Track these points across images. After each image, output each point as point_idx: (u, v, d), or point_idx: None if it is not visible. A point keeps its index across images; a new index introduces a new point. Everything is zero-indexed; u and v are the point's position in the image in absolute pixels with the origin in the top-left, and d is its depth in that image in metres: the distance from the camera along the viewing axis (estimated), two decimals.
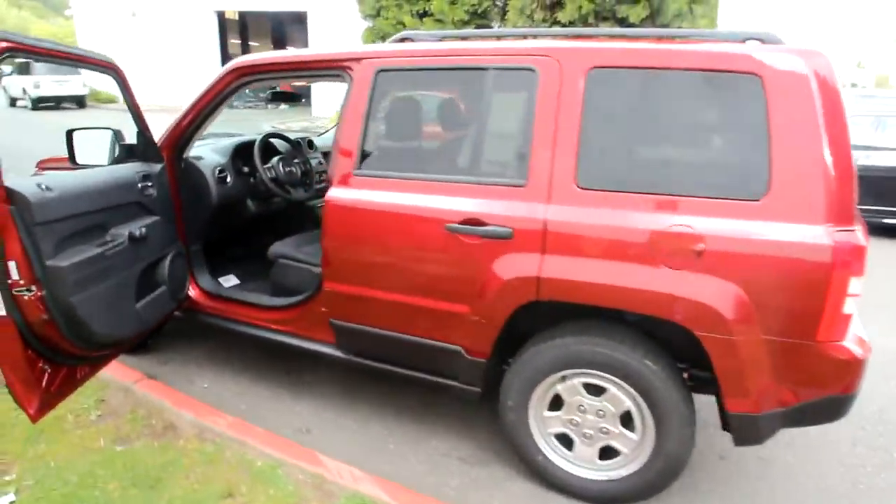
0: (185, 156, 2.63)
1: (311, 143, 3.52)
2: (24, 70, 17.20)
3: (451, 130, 2.12)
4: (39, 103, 17.35)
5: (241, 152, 2.99)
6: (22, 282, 1.69)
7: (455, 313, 2.02)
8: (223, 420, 2.27)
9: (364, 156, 2.13)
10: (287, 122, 15.04)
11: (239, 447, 2.12)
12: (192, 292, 2.69)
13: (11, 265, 1.68)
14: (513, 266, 1.88)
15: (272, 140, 3.24)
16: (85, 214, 1.92)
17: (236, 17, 21.79)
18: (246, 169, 2.95)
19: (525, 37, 2.26)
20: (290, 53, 2.41)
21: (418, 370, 2.21)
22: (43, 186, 1.76)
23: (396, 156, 2.18)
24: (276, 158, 3.01)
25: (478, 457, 2.27)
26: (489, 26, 10.34)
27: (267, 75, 2.40)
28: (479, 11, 10.44)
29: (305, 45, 22.88)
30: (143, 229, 2.14)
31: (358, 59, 2.17)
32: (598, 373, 1.88)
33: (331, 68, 2.26)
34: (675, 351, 1.90)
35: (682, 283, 1.69)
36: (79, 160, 2.36)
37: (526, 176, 1.87)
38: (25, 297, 1.71)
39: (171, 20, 18.33)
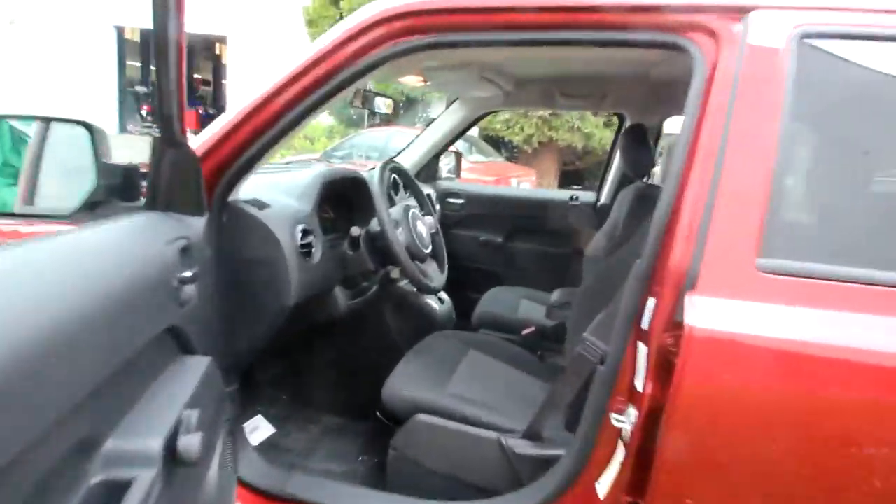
0: (230, 199, 1.22)
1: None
2: None
3: None
4: None
5: (330, 194, 1.58)
6: None
7: None
8: None
9: (782, 221, 0.90)
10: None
11: None
12: None
13: None
14: None
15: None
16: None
17: (137, 39, 19.52)
18: (354, 231, 1.54)
19: None
20: None
21: None
22: None
23: (869, 219, 0.96)
24: (400, 208, 1.63)
25: None
26: None
27: (468, 38, 1.11)
28: None
29: (219, 74, 20.78)
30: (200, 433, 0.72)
31: (740, 11, 0.96)
32: None
33: (656, 29, 1.02)
34: None
35: None
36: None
37: None
38: None
39: (61, 33, 15.74)
